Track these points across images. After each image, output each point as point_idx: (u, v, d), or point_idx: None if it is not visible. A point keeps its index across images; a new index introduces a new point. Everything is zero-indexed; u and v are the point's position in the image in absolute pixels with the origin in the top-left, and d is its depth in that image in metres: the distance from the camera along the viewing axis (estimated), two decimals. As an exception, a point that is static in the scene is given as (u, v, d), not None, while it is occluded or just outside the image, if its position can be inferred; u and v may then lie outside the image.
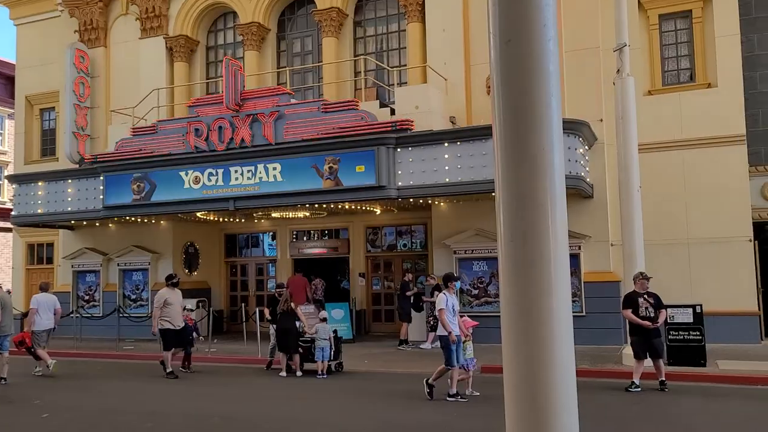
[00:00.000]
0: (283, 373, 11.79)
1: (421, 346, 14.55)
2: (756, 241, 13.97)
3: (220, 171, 14.91)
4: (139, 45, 18.98)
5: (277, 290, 13.26)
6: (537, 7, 3.59)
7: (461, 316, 9.72)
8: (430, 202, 15.14)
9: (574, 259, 14.05)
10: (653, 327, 9.75)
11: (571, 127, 12.69)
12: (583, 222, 14.06)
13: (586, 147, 13.73)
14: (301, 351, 11.88)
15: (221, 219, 18.34)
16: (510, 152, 3.61)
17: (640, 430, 7.66)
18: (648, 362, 9.88)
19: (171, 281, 12.41)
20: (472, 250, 14.99)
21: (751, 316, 13.59)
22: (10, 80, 23.57)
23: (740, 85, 13.99)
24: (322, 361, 11.60)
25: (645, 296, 9.95)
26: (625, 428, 7.74)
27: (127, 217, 17.00)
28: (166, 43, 18.74)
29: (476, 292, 15.01)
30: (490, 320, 14.07)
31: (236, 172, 14.76)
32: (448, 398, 9.07)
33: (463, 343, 9.34)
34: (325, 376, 11.54)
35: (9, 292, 18.97)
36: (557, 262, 3.54)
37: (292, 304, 12.05)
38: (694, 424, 7.89)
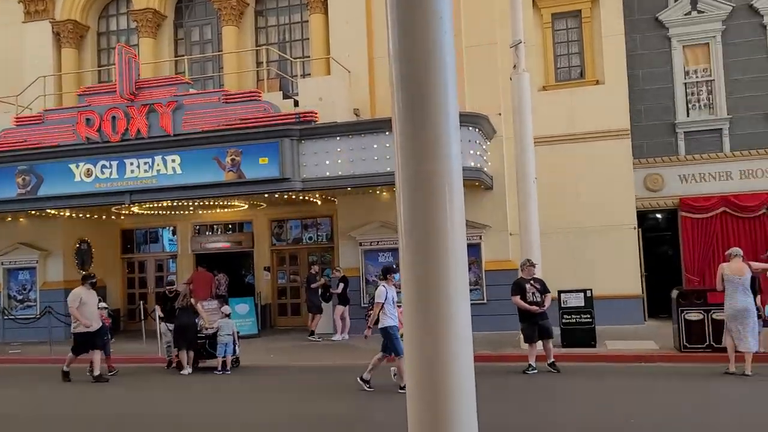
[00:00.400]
0: (186, 370, 11.45)
1: (332, 339, 14.55)
2: (640, 229, 14.95)
3: (115, 163, 14.22)
4: (23, 29, 17.75)
5: (167, 287, 12.92)
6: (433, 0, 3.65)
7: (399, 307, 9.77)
8: (335, 194, 15.13)
9: (476, 248, 14.50)
10: (540, 311, 10.22)
11: (471, 120, 13.05)
12: (483, 213, 14.52)
13: (486, 140, 14.17)
14: (197, 348, 11.60)
15: (117, 214, 17.48)
16: (408, 142, 3.67)
17: (533, 408, 8.03)
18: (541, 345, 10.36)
19: (89, 281, 11.63)
20: (378, 242, 15.14)
21: (636, 299, 14.56)
22: None
23: (625, 83, 14.89)
24: (224, 357, 11.38)
25: (532, 282, 10.42)
26: (519, 407, 8.09)
27: (12, 213, 15.89)
28: (52, 28, 17.63)
29: (382, 283, 15.17)
30: (395, 310, 14.31)
31: (132, 164, 14.12)
32: (400, 390, 8.63)
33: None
34: (229, 372, 11.33)
35: None
36: (455, 249, 3.64)
37: (192, 300, 11.71)
38: (581, 400, 8.37)
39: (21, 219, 16.92)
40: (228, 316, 11.72)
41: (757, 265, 10.14)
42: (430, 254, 3.57)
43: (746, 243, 14.10)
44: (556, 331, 11.79)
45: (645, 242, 15.23)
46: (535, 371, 10.05)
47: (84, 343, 11.09)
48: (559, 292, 11.98)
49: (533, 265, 10.62)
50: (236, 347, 11.71)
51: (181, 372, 11.44)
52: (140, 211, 16.58)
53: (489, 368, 10.29)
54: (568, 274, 13.72)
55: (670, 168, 15.16)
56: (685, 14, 15.11)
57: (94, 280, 11.86)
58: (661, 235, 15.93)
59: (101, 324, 11.45)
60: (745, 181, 14.71)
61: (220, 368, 11.33)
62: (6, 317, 15.51)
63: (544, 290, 10.42)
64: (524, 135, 12.12)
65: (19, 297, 17.48)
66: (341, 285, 14.58)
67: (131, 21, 17.79)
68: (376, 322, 9.23)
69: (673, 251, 15.63)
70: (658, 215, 15.99)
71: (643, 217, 15.43)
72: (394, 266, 9.86)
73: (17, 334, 16.14)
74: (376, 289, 9.58)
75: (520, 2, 12.30)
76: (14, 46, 17.69)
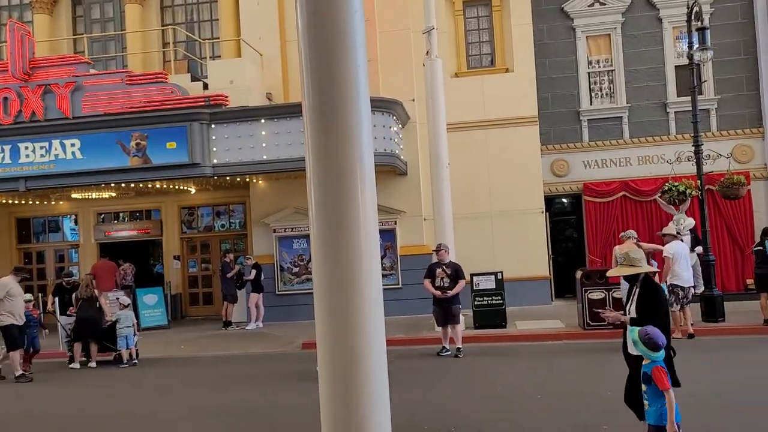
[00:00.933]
0: (76, 365, 10.93)
1: (247, 327, 14.27)
2: (547, 213, 15.52)
3: (7, 147, 13.29)
4: None
5: (65, 279, 12.33)
6: (342, -23, 3.58)
7: None
8: (248, 180, 14.80)
9: (390, 234, 14.60)
10: (443, 296, 10.28)
11: (385, 105, 13.06)
12: (398, 198, 14.62)
13: (400, 125, 14.24)
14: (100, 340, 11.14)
15: (10, 201, 16.37)
16: (318, 125, 3.59)
17: (440, 387, 8.18)
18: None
19: (21, 273, 10.78)
20: (292, 228, 14.95)
21: (544, 280, 15.13)
22: None
23: (533, 71, 15.34)
24: (127, 349, 10.97)
25: (444, 267, 10.52)
26: (429, 387, 8.22)
27: None
28: (-68, -1, 16.21)
29: (297, 270, 15.02)
30: (311, 297, 14.19)
31: (27, 148, 13.25)
32: None
33: None
34: (136, 363, 10.94)
35: None
36: (366, 233, 3.60)
37: (95, 291, 11.15)
38: (490, 380, 8.61)
39: None
40: (126, 307, 11.27)
41: (647, 246, 10.70)
42: (341, 241, 3.52)
43: (643, 225, 14.94)
44: (469, 312, 12.10)
45: (552, 226, 15.84)
46: (449, 352, 10.25)
47: (17, 336, 10.23)
48: (472, 275, 12.25)
49: (446, 250, 10.76)
50: (135, 339, 11.31)
51: (70, 365, 10.96)
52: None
53: (403, 351, 10.42)
54: (481, 257, 14.06)
55: (575, 154, 15.79)
56: (589, 5, 15.70)
57: (26, 273, 11.26)
58: (566, 219, 16.62)
59: (27, 316, 10.63)
60: (643, 167, 15.53)
61: (125, 361, 10.89)
62: None
63: (457, 276, 10.39)
64: (437, 121, 12.26)
65: None
66: (253, 272, 14.31)
67: (24, -5, 16.62)
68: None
69: (577, 234, 16.34)
70: (564, 200, 16.65)
71: (550, 201, 16.02)
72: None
73: None
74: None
75: (432, -11, 12.38)
76: None
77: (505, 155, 15.09)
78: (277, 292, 14.90)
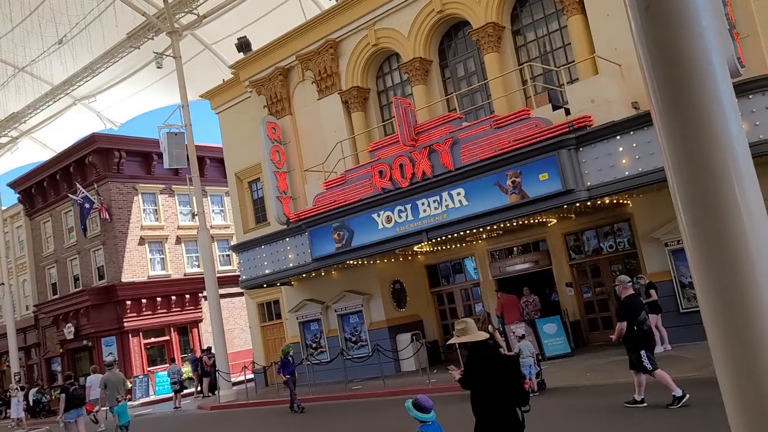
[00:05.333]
0: None
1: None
2: None
3: (408, 206, 15.35)
4: (318, 105, 20.44)
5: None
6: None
7: None
8: (626, 197, 14.12)
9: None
10: None
11: (759, 85, 11.12)
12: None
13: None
14: None
15: (419, 252, 18.77)
16: (672, 122, 3.24)
17: None
18: None
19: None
20: (687, 240, 13.60)
21: None
22: (222, 162, 26.66)
23: None
24: (529, 379, 11.30)
25: None
26: None
27: (335, 265, 18.13)
28: (341, 98, 19.96)
29: (700, 284, 13.54)
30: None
31: (423, 204, 15.08)
32: None
33: None
34: (536, 393, 11.21)
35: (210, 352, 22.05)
36: (756, 241, 3.06)
37: (490, 327, 11.86)
38: None
39: (341, 268, 19.16)
40: (522, 338, 11.64)
41: None
42: (723, 255, 3.04)
43: None
44: None
45: None
46: None
47: None
48: None
49: None
50: (539, 368, 11.56)
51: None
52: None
53: None
54: None
55: None
56: None
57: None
58: None
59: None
60: None
61: (529, 390, 11.27)
62: (346, 358, 17.60)
63: None
64: None
65: (353, 339, 19.69)
66: (652, 291, 13.39)
67: (402, 74, 19.27)
68: None
69: None
70: None
71: None
72: None
73: (356, 372, 18.15)
74: None
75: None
76: (314, 121, 20.47)
77: None
78: (680, 311, 13.67)
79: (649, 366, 8.84)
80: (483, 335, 5.17)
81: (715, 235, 3.09)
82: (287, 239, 18.54)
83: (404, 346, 17.66)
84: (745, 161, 3.12)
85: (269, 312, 23.46)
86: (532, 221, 15.56)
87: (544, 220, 15.82)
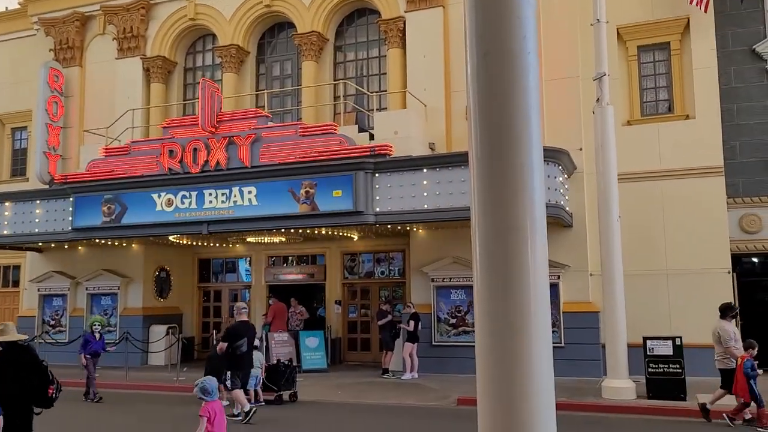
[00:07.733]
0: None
1: (402, 377, 14.14)
2: (734, 274, 13.88)
3: (194, 194, 14.56)
4: (116, 65, 18.68)
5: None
6: (517, 18, 3.37)
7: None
8: (408, 228, 14.90)
9: (553, 288, 13.83)
10: None
11: (551, 155, 12.56)
12: (562, 251, 13.88)
13: (566, 176, 13.62)
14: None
15: (195, 243, 17.91)
16: (487, 171, 3.36)
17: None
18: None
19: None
20: (450, 278, 14.73)
21: (731, 349, 13.41)
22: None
23: (718, 117, 14.05)
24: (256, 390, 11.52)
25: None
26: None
27: (97, 240, 16.52)
28: (143, 64, 18.48)
29: (454, 321, 14.71)
30: (468, 350, 13.78)
31: (210, 195, 14.42)
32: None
33: None
34: (262, 404, 11.31)
35: None
36: (537, 290, 3.28)
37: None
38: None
39: (104, 245, 17.52)
40: (256, 348, 11.57)
41: None
42: (509, 294, 3.23)
43: None
44: (641, 379, 11.01)
45: (740, 288, 14.12)
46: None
47: None
48: (645, 338, 11.20)
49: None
50: (294, 382, 11.83)
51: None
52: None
53: (567, 417, 9.63)
54: (654, 319, 12.89)
55: (768, 209, 14.09)
56: (784, 46, 14.19)
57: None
58: (758, 281, 14.75)
59: None
60: None
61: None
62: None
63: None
64: (607, 171, 11.55)
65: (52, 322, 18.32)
66: (412, 322, 14.21)
67: (216, 57, 18.43)
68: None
69: (772, 298, 14.42)
70: (755, 259, 14.84)
71: (737, 260, 14.34)
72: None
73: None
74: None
75: (604, 34, 11.86)
76: (107, 81, 18.65)
77: (683, 209, 13.84)
78: (433, 343, 14.67)
79: (230, 386, 10.56)
80: (19, 337, 5.77)
81: (505, 275, 3.26)
82: (46, 201, 16.45)
83: (157, 339, 16.59)
84: (541, 214, 3.33)
85: (4, 277, 20.62)
86: (335, 233, 15.59)
87: (347, 234, 15.96)
